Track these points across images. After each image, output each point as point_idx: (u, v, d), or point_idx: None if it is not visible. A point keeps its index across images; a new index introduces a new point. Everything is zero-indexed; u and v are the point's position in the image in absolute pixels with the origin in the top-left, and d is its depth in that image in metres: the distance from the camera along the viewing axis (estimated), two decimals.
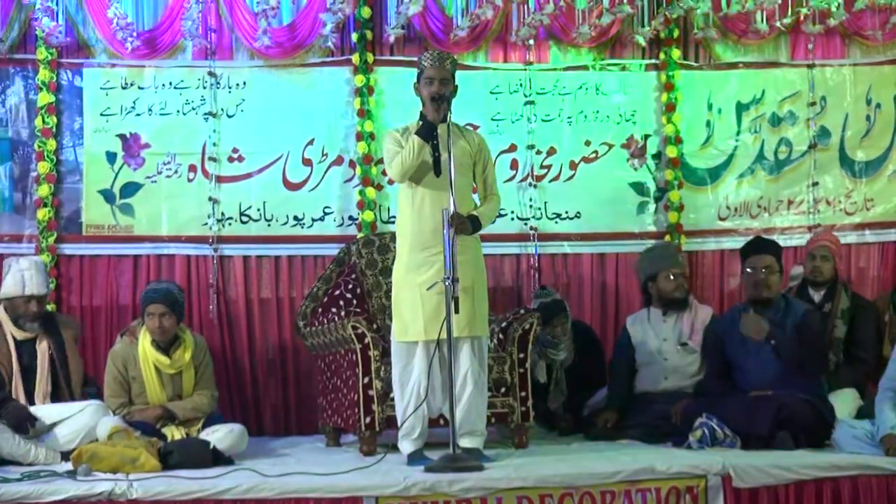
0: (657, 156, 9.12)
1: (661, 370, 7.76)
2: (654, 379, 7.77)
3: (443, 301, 6.19)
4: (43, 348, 7.18)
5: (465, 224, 6.41)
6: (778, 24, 9.06)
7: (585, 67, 9.11)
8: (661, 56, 9.14)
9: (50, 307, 7.93)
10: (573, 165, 9.02)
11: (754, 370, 7.07)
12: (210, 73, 8.61)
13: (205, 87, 8.62)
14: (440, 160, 6.50)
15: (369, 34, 8.77)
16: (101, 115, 8.51)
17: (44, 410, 6.97)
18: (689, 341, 7.78)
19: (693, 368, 7.72)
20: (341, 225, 8.72)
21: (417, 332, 6.47)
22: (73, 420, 6.91)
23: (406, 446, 6.56)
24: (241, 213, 8.61)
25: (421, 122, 6.51)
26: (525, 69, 9.00)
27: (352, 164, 8.74)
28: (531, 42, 8.95)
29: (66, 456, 6.57)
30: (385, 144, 6.72)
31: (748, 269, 7.23)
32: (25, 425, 6.73)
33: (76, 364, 7.29)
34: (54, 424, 6.87)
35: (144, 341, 7.09)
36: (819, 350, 7.15)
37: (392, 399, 6.77)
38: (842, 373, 7.70)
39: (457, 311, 6.14)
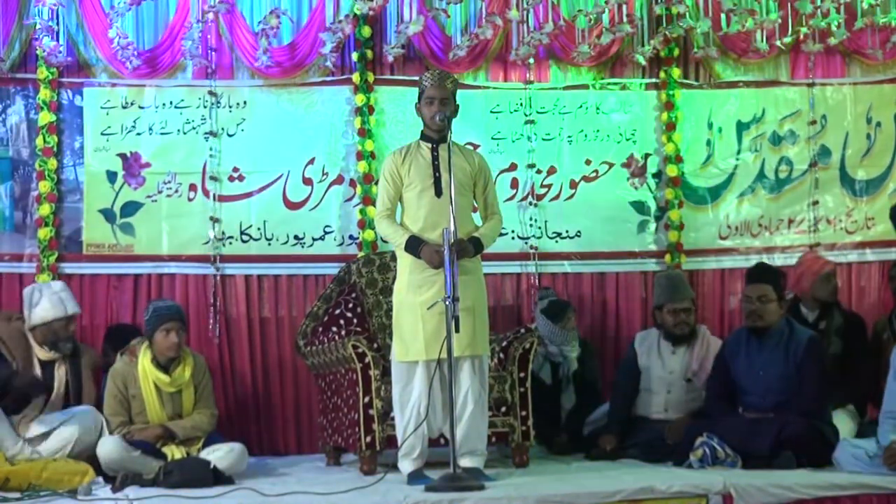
0: (657, 175, 9.12)
1: (662, 401, 7.73)
2: (654, 408, 7.73)
3: (443, 320, 6.19)
4: (61, 373, 7.19)
5: (466, 249, 6.42)
6: (778, 43, 9.07)
7: (586, 86, 9.11)
8: (662, 75, 9.14)
9: None
10: (573, 184, 9.02)
11: (756, 395, 7.07)
12: (210, 93, 8.61)
13: (205, 107, 8.62)
14: (440, 181, 6.52)
15: (369, 53, 8.78)
16: (102, 134, 8.51)
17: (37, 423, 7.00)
18: (693, 378, 7.74)
19: (695, 405, 7.66)
20: (342, 244, 8.72)
21: (418, 351, 6.46)
22: (63, 428, 6.93)
23: (406, 466, 6.54)
24: (242, 233, 8.61)
25: (410, 243, 6.51)
26: (525, 88, 9.00)
27: (352, 183, 8.74)
28: (531, 61, 8.96)
29: None
30: (382, 173, 6.77)
31: (746, 298, 7.26)
32: (35, 391, 6.87)
33: (89, 392, 7.29)
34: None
35: (144, 360, 7.08)
36: (819, 382, 7.10)
37: (392, 418, 6.76)
38: (837, 393, 7.69)
39: (457, 331, 6.13)
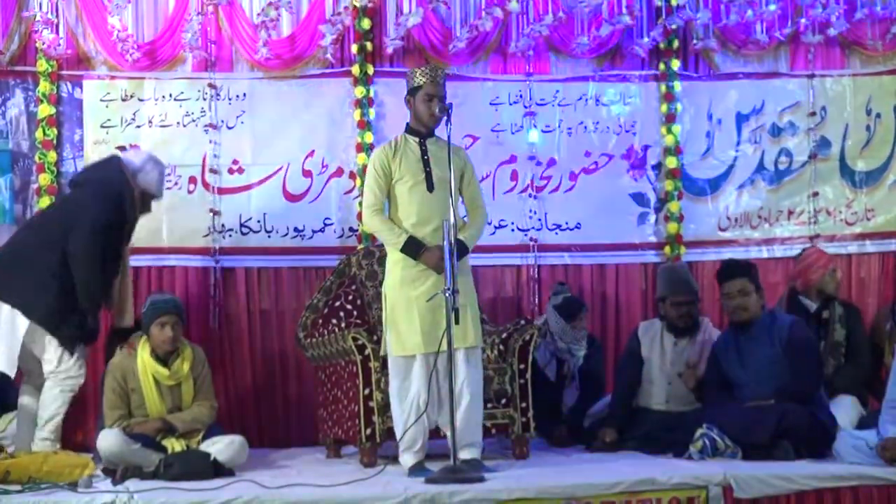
0: (657, 166, 9.12)
1: (663, 393, 7.71)
2: (655, 399, 7.70)
3: (439, 313, 6.22)
4: None
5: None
6: (778, 34, 9.07)
7: (585, 78, 9.11)
8: (661, 67, 9.13)
9: None
10: (573, 176, 9.02)
11: (751, 385, 7.08)
12: (210, 85, 8.60)
13: (205, 99, 8.61)
14: (431, 175, 6.53)
15: (369, 45, 8.76)
16: (102, 126, 8.50)
17: None
18: (694, 369, 7.72)
19: (695, 395, 7.68)
20: (341, 236, 8.72)
21: (415, 345, 6.48)
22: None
23: (408, 459, 6.55)
24: (242, 225, 8.61)
25: (409, 245, 6.54)
26: (525, 80, 9.00)
27: (352, 175, 8.73)
28: (531, 53, 8.95)
29: None
30: (371, 166, 6.77)
31: (725, 296, 7.31)
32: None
33: None
34: None
35: (143, 353, 7.08)
36: (811, 360, 7.13)
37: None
38: (840, 377, 7.72)
39: (457, 322, 6.14)
